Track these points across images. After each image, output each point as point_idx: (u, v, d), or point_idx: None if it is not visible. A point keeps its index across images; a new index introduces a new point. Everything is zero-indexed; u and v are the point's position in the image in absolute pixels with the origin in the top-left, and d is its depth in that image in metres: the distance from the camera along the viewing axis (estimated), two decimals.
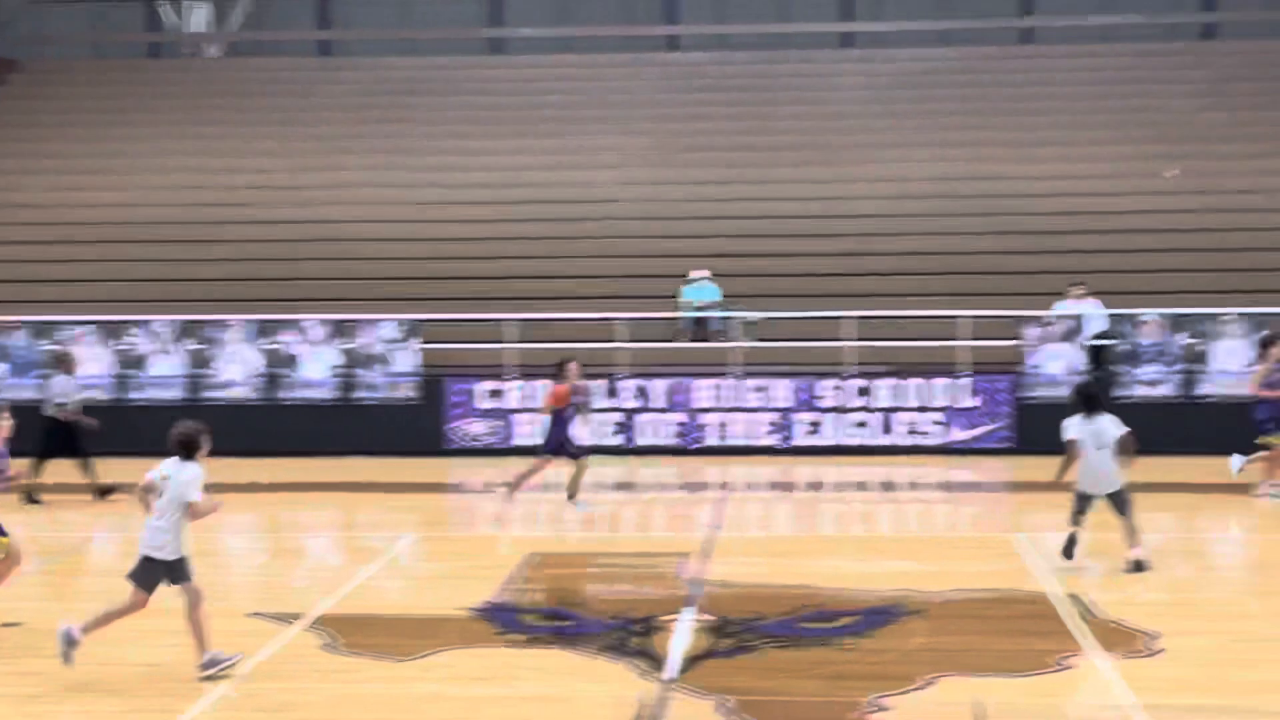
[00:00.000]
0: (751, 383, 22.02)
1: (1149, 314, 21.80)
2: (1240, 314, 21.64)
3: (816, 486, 20.21)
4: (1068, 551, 14.38)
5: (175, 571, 10.55)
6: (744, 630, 12.36)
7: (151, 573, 10.56)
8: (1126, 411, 20.85)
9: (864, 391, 21.90)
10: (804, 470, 20.72)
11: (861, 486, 20.26)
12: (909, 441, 21.61)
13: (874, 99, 30.42)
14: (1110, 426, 14.25)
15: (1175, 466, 20.08)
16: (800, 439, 21.93)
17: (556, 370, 17.41)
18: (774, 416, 22.02)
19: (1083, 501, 14.43)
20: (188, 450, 10.61)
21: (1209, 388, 21.41)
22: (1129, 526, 14.30)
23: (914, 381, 21.84)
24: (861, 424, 21.87)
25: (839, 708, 10.36)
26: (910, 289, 24.41)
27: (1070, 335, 21.76)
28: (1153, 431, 21.18)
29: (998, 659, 11.62)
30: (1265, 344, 18.39)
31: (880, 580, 14.09)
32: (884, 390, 21.81)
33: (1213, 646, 11.88)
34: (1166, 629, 12.24)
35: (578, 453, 17.23)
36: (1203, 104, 29.37)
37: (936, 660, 11.52)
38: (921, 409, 21.73)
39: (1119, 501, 14.31)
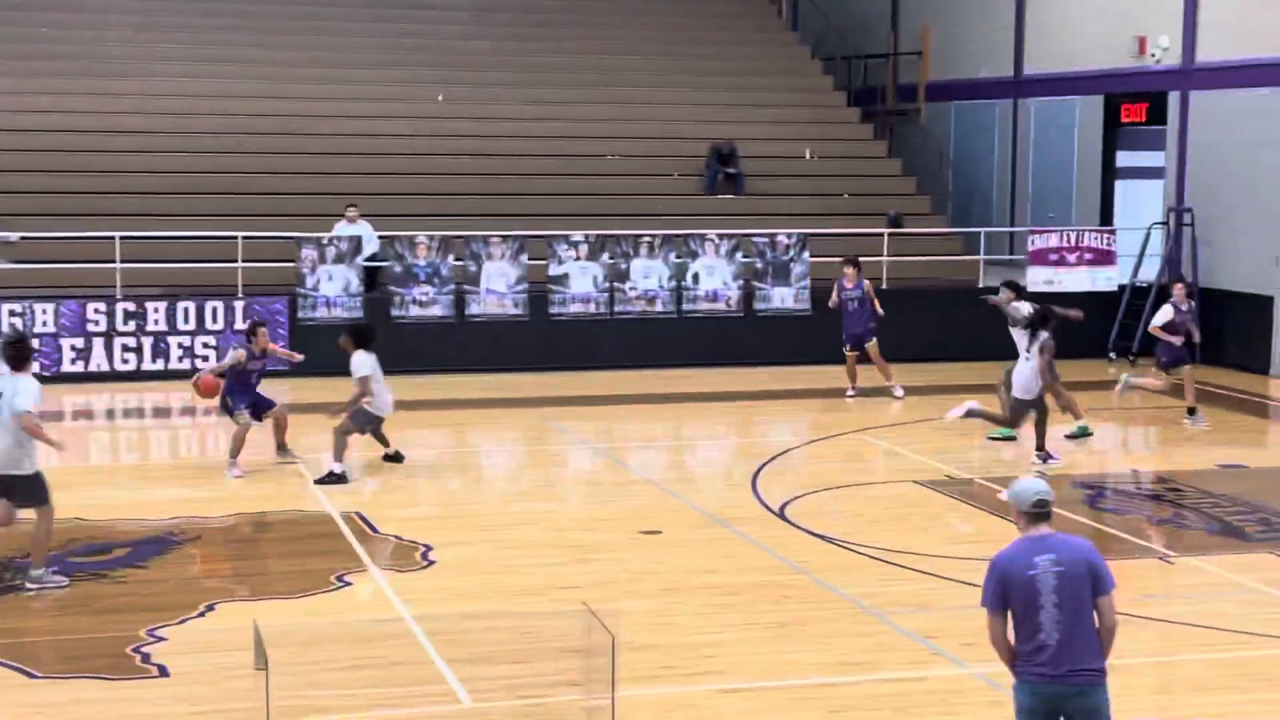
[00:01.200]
0: (7, 307, 20.69)
1: (421, 235, 22.33)
2: (505, 236, 22.60)
3: (87, 415, 19.35)
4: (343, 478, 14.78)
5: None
6: (6, 569, 11.68)
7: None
8: (402, 331, 21.51)
9: (134, 315, 21.11)
10: (72, 398, 19.78)
11: (135, 413, 19.59)
12: (184, 365, 21.05)
13: (140, 9, 29.24)
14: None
15: (447, 384, 20.82)
16: (68, 365, 20.88)
17: (249, 334, 15.55)
18: (37, 343, 20.81)
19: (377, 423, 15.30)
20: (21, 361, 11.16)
21: (478, 308, 22.24)
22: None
23: (187, 304, 21.30)
24: (133, 348, 21.11)
25: (115, 643, 10.02)
26: (184, 209, 23.72)
27: (346, 257, 21.95)
28: (426, 351, 21.95)
29: (277, 581, 11.63)
30: (850, 264, 20.00)
31: (156, 509, 13.72)
32: (156, 313, 21.14)
33: (481, 555, 12.44)
34: (440, 540, 12.68)
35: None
36: (469, 31, 30.33)
37: (214, 587, 11.39)
38: (195, 332, 21.24)
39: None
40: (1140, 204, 25.35)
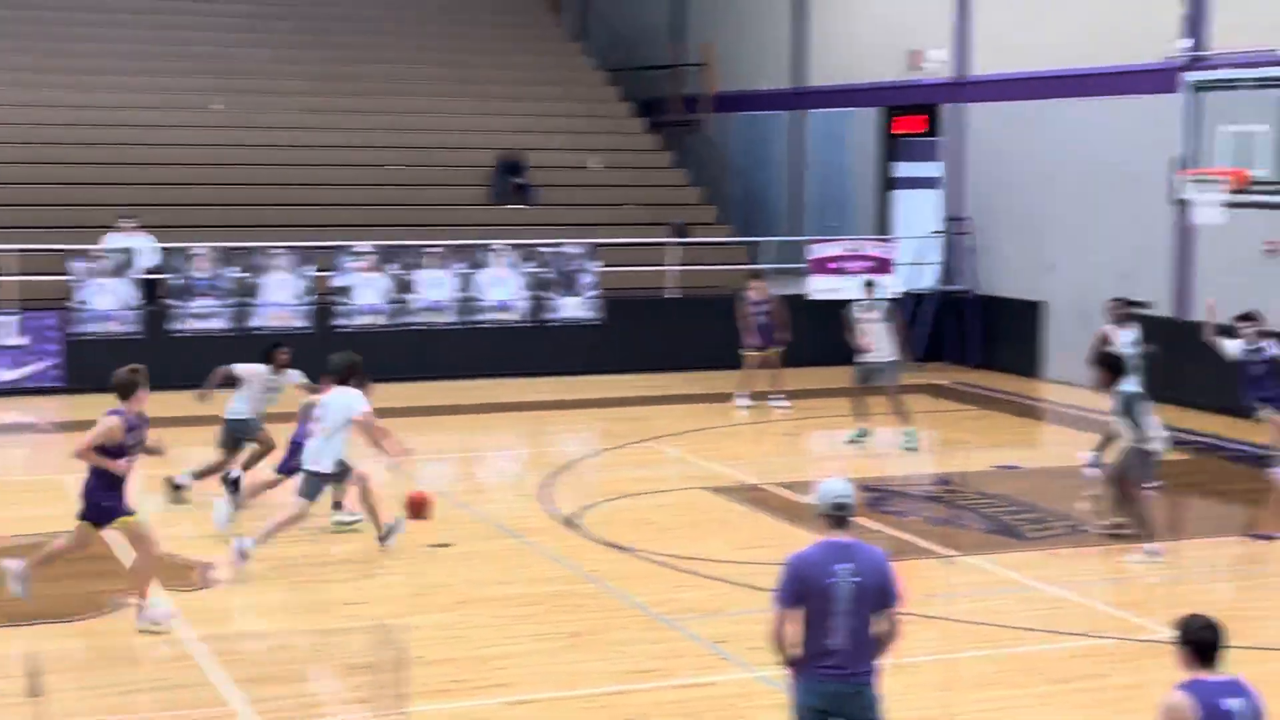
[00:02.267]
0: None
1: (200, 247, 21.83)
2: (287, 247, 22.20)
3: None
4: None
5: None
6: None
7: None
8: (180, 346, 20.98)
9: None
10: None
11: None
12: None
13: None
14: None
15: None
16: None
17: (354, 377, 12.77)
18: None
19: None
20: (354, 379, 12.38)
21: (259, 320, 21.79)
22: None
23: None
24: None
25: None
26: None
27: (121, 269, 21.34)
28: (205, 365, 21.37)
29: (47, 605, 11.22)
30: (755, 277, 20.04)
31: None
32: None
33: (267, 572, 12.15)
34: (222, 559, 12.35)
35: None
36: (250, 39, 29.78)
37: None
38: None
39: None
40: (920, 213, 26.00)
